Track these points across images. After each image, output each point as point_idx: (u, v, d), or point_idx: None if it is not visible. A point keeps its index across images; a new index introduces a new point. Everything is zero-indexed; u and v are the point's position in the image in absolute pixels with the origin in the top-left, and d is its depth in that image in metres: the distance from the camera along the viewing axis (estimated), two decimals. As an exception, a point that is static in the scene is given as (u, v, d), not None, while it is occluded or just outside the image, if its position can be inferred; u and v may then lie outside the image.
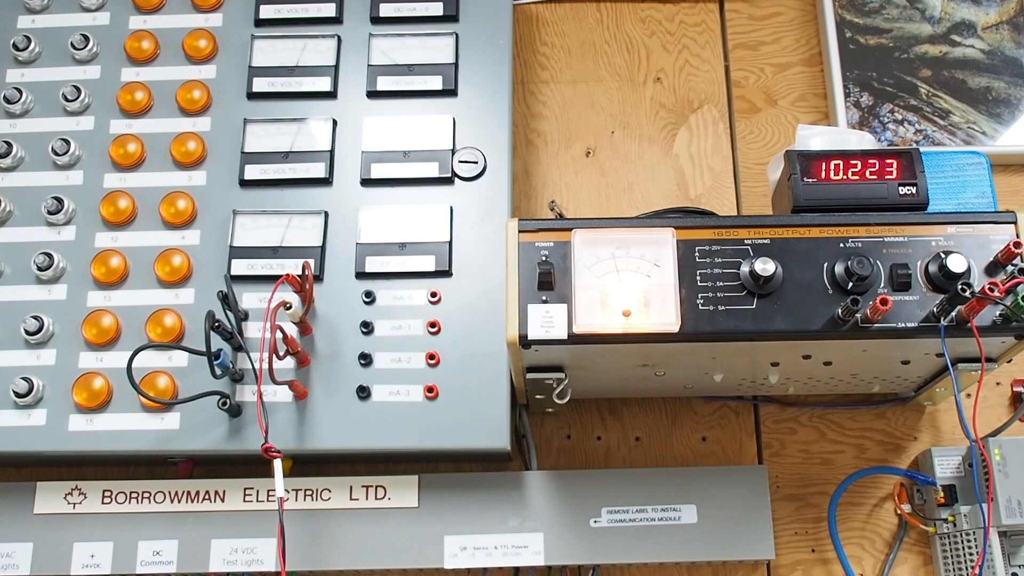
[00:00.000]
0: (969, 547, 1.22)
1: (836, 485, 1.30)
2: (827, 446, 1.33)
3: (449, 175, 1.30)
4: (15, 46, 1.37)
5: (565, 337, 1.05)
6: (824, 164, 1.16)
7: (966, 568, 1.22)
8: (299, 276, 1.20)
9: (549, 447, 1.34)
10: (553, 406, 1.25)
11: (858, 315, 1.04)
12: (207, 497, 1.23)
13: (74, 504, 1.23)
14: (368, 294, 1.24)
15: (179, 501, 1.23)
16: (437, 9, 1.38)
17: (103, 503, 1.23)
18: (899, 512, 1.29)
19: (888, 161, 1.15)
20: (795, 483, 1.32)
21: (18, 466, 1.31)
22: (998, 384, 1.35)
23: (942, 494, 1.24)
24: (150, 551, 1.21)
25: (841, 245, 1.08)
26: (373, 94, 1.35)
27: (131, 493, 1.23)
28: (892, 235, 1.08)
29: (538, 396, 1.22)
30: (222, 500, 1.23)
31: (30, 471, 1.30)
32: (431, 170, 1.30)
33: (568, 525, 1.22)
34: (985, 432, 1.25)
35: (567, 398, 1.17)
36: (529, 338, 1.05)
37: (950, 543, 1.25)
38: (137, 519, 1.22)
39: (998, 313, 1.04)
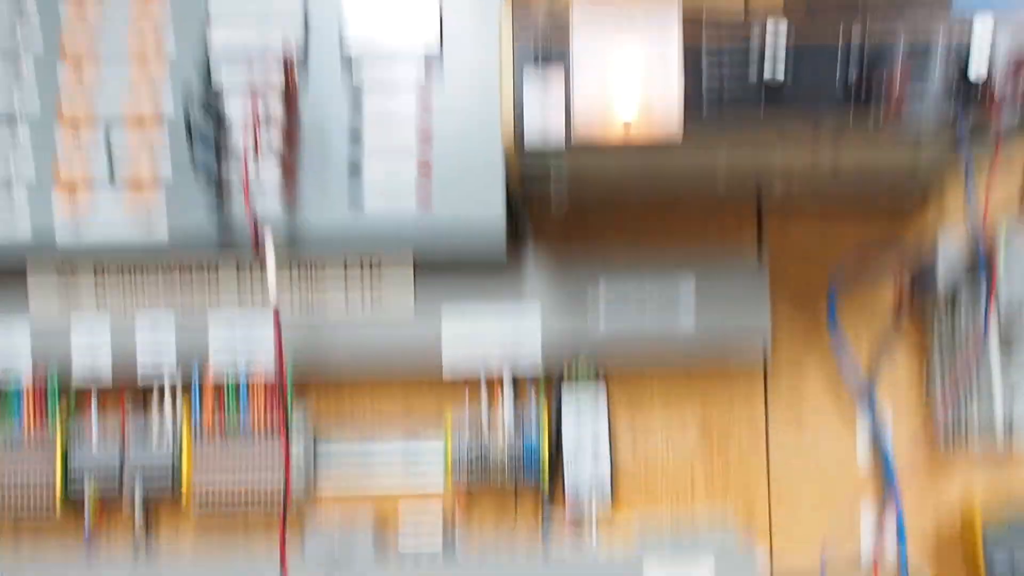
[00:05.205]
0: (967, 330, 1.24)
1: (837, 284, 1.31)
2: (829, 247, 1.32)
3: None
4: None
5: (562, 147, 1.02)
6: (842, -45, 1.07)
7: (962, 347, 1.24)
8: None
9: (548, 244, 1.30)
10: (551, 208, 1.23)
11: (872, 111, 1.01)
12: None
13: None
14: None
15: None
16: None
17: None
18: (898, 304, 1.31)
19: (910, -47, 1.06)
20: (795, 283, 1.32)
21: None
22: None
23: (944, 288, 1.25)
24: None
25: (856, 42, 1.01)
26: None
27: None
28: (911, 30, 1.01)
29: (535, 192, 1.19)
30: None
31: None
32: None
33: (567, 308, 1.24)
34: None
35: (564, 203, 1.17)
36: (526, 145, 1.02)
37: (948, 331, 1.27)
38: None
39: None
